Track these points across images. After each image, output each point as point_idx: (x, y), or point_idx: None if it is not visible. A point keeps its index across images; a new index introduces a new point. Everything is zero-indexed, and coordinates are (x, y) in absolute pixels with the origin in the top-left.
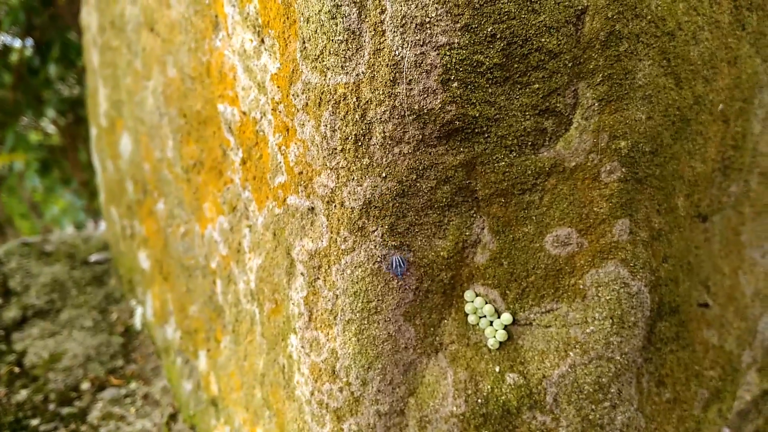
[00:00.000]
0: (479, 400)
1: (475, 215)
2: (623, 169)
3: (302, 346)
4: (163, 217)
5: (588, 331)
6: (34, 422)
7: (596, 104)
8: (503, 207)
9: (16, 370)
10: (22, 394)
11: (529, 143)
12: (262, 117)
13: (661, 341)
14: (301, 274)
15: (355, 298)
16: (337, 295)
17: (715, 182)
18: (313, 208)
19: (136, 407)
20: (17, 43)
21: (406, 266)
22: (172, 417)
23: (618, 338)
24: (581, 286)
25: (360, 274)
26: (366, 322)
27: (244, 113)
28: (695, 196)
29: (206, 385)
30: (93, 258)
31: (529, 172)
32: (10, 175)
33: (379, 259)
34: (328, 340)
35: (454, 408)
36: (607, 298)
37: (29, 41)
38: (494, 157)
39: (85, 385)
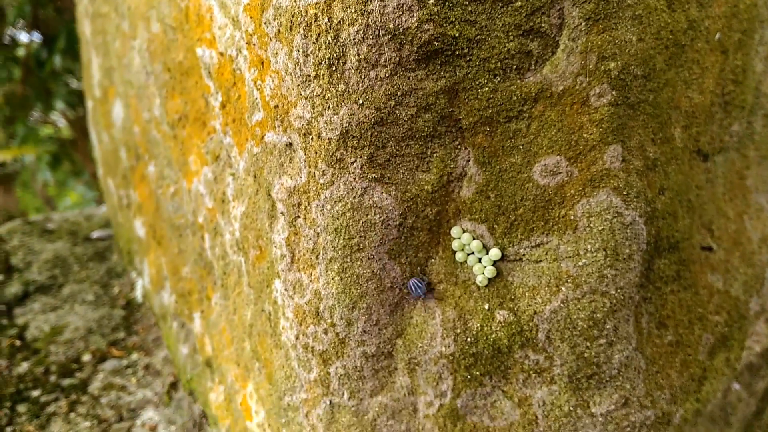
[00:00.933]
0: (468, 339)
1: (459, 146)
2: (613, 93)
3: (285, 290)
4: (153, 180)
5: (580, 264)
6: (35, 393)
7: (583, 24)
8: (488, 136)
9: (18, 343)
10: (24, 367)
11: (514, 67)
12: (237, 54)
13: (661, 280)
14: (282, 214)
15: (336, 234)
16: (318, 233)
17: (715, 118)
18: (290, 144)
19: (138, 377)
20: (25, 37)
21: (426, 285)
22: (173, 385)
23: (612, 271)
24: (572, 217)
25: (340, 209)
26: (349, 260)
27: (221, 54)
28: (693, 128)
29: (201, 347)
30: (95, 234)
31: (515, 98)
32: (24, 170)
33: (360, 192)
34: (311, 281)
35: (443, 348)
36: (600, 228)
37: (36, 35)
38: (477, 83)
39: (86, 357)
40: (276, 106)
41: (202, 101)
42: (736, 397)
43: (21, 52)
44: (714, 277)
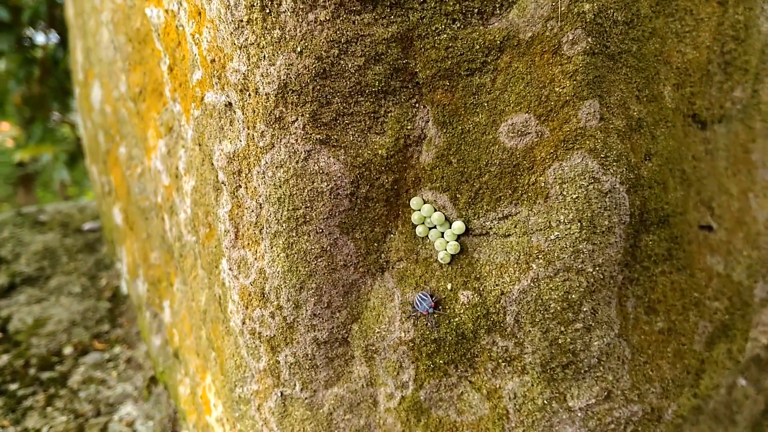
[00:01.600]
0: (429, 323)
1: (417, 105)
2: (589, 39)
3: (230, 269)
4: (124, 162)
5: (552, 237)
6: (13, 387)
7: None
8: (449, 92)
9: None
10: (3, 359)
11: (476, 11)
12: (179, 8)
13: (649, 259)
14: (223, 183)
15: (279, 205)
16: (260, 204)
17: (714, 80)
18: (230, 103)
19: (119, 371)
20: (41, 37)
21: (431, 298)
22: (153, 380)
23: (589, 246)
24: (543, 184)
25: (282, 176)
26: (294, 234)
27: (167, 11)
28: (687, 88)
29: (171, 338)
30: (86, 226)
31: (477, 47)
32: (44, 170)
33: (303, 156)
34: (256, 258)
35: (402, 334)
36: (574, 196)
37: (54, 35)
38: (434, 29)
39: (68, 350)
40: (213, 61)
41: (158, 70)
42: (742, 394)
43: (38, 53)
44: (714, 259)
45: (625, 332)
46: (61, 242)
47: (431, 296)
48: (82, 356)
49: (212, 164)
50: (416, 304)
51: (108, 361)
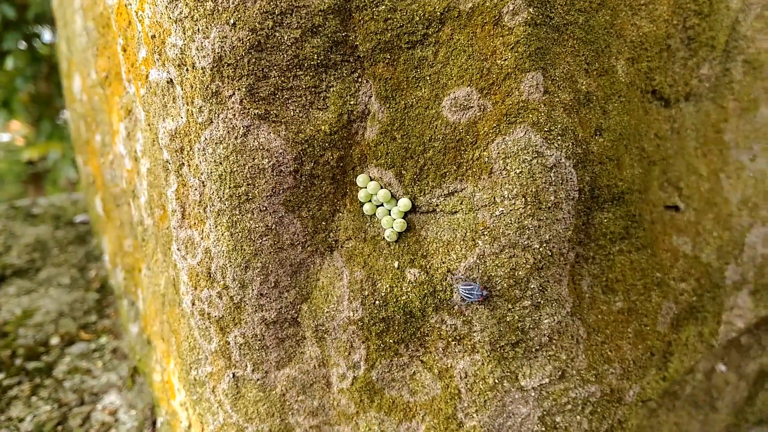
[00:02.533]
0: (377, 302)
1: (360, 79)
2: (530, 10)
3: (178, 249)
4: (99, 149)
5: (497, 213)
6: None
7: None
8: (390, 66)
9: None
10: None
11: None
12: None
13: (605, 237)
14: (168, 162)
15: (221, 182)
16: (203, 182)
17: (677, 56)
18: (171, 80)
19: (104, 361)
20: (48, 35)
21: (481, 290)
22: (136, 369)
23: (534, 222)
24: (486, 159)
25: (222, 153)
26: (237, 212)
27: None
28: (644, 63)
29: (145, 325)
30: (78, 218)
31: (417, 18)
32: (53, 168)
33: (242, 132)
34: (202, 238)
35: (351, 313)
36: (517, 171)
37: None
38: (372, 0)
39: (55, 341)
40: (153, 37)
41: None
42: (722, 380)
43: (45, 50)
44: (680, 240)
45: (579, 311)
46: (53, 234)
47: (474, 281)
48: (68, 346)
49: (159, 143)
50: (464, 296)
51: (94, 351)
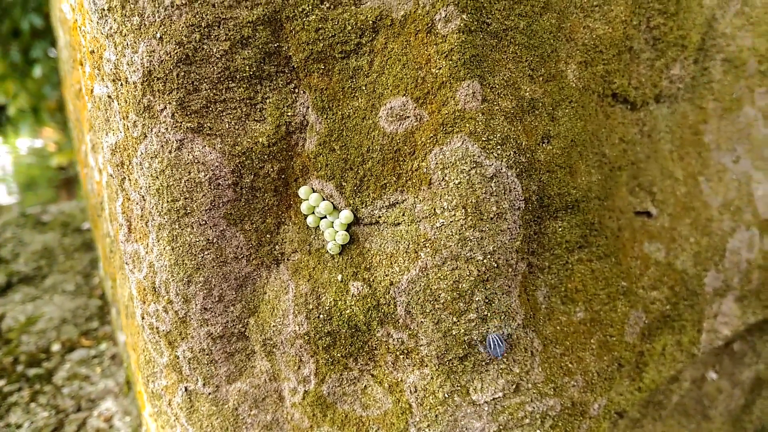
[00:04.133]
0: (321, 316)
1: (296, 90)
2: (464, 16)
3: (126, 264)
4: (83, 160)
5: (438, 225)
6: (0, 383)
7: None
8: (326, 76)
9: None
10: None
11: None
12: (74, 1)
13: (560, 246)
14: (111, 176)
15: (159, 197)
16: (143, 196)
17: (641, 57)
18: (110, 96)
19: (103, 367)
20: None
21: (505, 344)
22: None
23: (476, 233)
24: (425, 170)
25: (158, 167)
26: (177, 227)
27: (72, 6)
28: (599, 66)
29: (127, 335)
30: (86, 225)
31: (350, 27)
32: None
33: (176, 146)
34: (146, 252)
35: (297, 327)
36: (456, 182)
37: None
38: (301, 10)
39: (56, 347)
40: (92, 52)
41: None
42: (714, 388)
43: None
44: (653, 246)
45: (533, 323)
46: (60, 242)
47: (506, 338)
48: (69, 353)
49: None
50: (492, 348)
51: (93, 358)
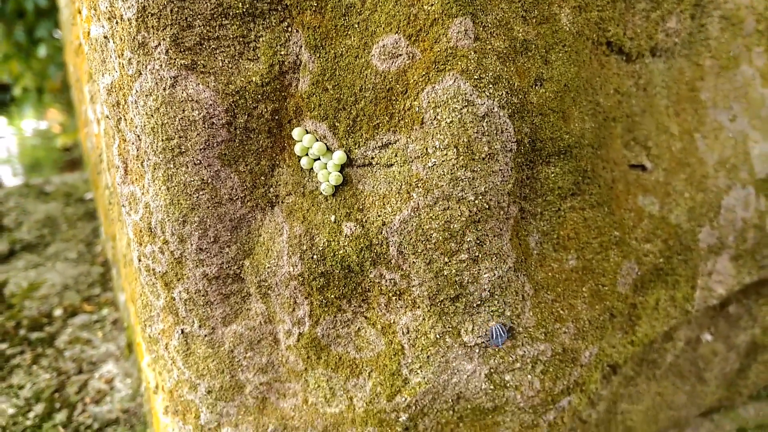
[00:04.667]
0: (315, 257)
1: (289, 28)
2: None
3: (123, 205)
4: (84, 121)
5: (430, 165)
6: (3, 346)
7: None
8: (318, 14)
9: None
10: None
11: None
12: None
13: (553, 193)
14: (108, 118)
15: (154, 135)
16: (138, 136)
17: (636, 7)
18: (106, 35)
19: (104, 332)
20: None
21: (508, 334)
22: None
23: (468, 173)
24: (417, 109)
25: (153, 105)
26: (172, 166)
27: None
28: (593, 12)
29: (126, 292)
30: (89, 195)
31: None
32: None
33: (170, 83)
34: (142, 193)
35: (291, 268)
36: (448, 120)
37: None
38: None
39: (58, 312)
40: None
41: None
42: (710, 351)
43: None
44: (647, 200)
45: (523, 267)
46: (63, 211)
47: (508, 330)
48: (71, 318)
49: (101, 99)
50: (495, 338)
51: (95, 323)
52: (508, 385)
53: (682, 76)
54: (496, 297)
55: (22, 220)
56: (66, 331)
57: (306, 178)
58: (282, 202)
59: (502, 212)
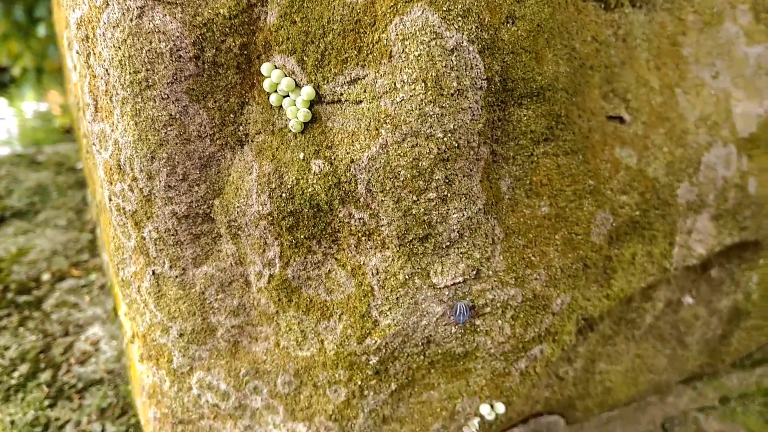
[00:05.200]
0: (284, 195)
1: None
2: None
3: (94, 144)
4: (68, 78)
5: (398, 100)
6: None
7: None
8: None
9: None
10: None
11: None
12: None
13: (525, 136)
14: (78, 53)
15: (122, 69)
16: (107, 70)
17: None
18: None
19: (92, 296)
20: None
21: (470, 313)
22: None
23: (436, 109)
24: (386, 42)
25: (119, 36)
26: (140, 100)
27: None
28: None
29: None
30: (80, 165)
31: None
32: None
33: (137, 13)
34: (112, 130)
35: (260, 207)
36: (416, 54)
37: None
38: None
39: (46, 277)
40: None
41: None
42: (691, 315)
43: None
44: (624, 152)
45: (494, 210)
46: (54, 179)
47: (472, 308)
48: (59, 282)
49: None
50: (457, 314)
51: (83, 287)
52: (478, 329)
53: (664, 29)
54: (465, 239)
55: (12, 188)
56: (53, 295)
57: (275, 116)
58: (251, 140)
59: (472, 152)
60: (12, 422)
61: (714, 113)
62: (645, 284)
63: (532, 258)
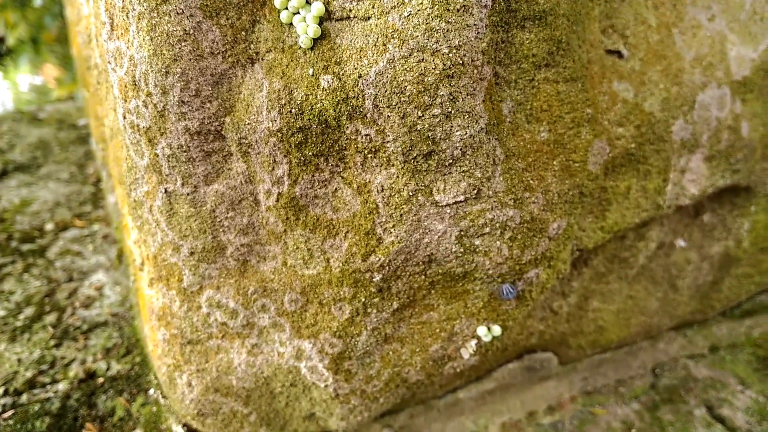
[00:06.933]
0: (293, 110)
1: None
2: None
3: (109, 62)
4: (75, 21)
5: (405, 14)
6: None
7: None
8: None
9: None
10: None
11: None
12: None
13: (527, 60)
14: None
15: None
16: None
17: None
18: None
19: (95, 245)
20: None
21: (516, 290)
22: (123, 250)
23: (443, 24)
24: None
25: None
26: (156, 15)
27: None
28: None
29: (115, 186)
30: (82, 122)
31: None
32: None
33: None
34: (127, 47)
35: (270, 123)
36: None
37: None
38: None
39: (50, 226)
40: None
41: None
42: (683, 258)
43: None
44: (621, 85)
45: (495, 131)
46: (56, 135)
47: (513, 288)
48: (62, 232)
49: None
50: (506, 294)
51: (86, 237)
52: (477, 249)
53: None
54: (468, 157)
55: (14, 143)
56: (57, 243)
57: (286, 34)
58: (262, 58)
59: (475, 71)
60: (18, 360)
61: (709, 54)
62: (639, 220)
63: (531, 181)
